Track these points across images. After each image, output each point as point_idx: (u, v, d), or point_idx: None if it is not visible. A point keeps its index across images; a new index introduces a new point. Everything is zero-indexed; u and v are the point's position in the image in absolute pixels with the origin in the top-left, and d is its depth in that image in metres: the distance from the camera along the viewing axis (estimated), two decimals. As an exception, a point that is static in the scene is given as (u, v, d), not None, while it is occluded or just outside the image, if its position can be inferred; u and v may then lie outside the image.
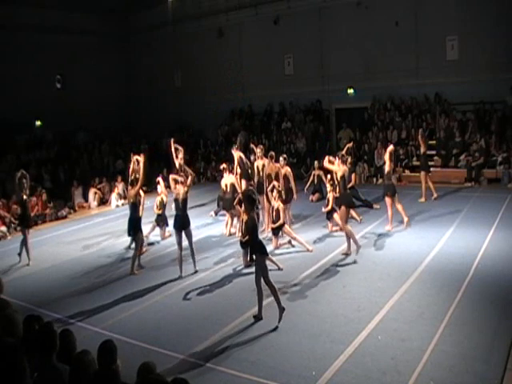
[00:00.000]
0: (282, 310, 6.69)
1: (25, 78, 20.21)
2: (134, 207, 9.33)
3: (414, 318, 6.56)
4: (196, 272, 8.91)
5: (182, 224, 8.82)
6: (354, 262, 8.97)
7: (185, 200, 8.96)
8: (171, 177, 9.52)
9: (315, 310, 7.06)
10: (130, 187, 9.60)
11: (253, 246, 7.04)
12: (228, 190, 11.25)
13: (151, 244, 11.13)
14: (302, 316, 6.84)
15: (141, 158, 10.08)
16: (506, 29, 16.28)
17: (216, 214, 13.56)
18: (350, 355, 5.73)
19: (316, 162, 14.58)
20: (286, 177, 11.04)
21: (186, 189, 9.01)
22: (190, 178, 9.20)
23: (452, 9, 17.28)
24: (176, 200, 9.01)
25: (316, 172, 14.35)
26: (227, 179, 11.33)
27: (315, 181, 14.38)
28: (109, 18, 24.33)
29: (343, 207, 9.35)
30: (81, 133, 22.28)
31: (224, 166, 11.57)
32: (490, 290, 7.28)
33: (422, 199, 13.42)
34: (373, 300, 7.22)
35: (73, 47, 22.22)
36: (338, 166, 9.38)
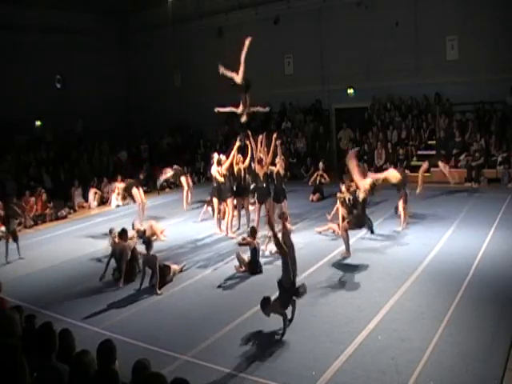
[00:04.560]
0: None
1: (25, 78, 20.18)
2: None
3: (413, 318, 6.56)
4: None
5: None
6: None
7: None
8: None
9: (315, 309, 7.05)
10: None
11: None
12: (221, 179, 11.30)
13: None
14: (301, 316, 6.82)
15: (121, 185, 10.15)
16: (506, 29, 16.27)
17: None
18: (350, 355, 5.73)
19: (321, 164, 15.01)
20: (278, 175, 11.02)
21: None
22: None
23: (452, 9, 17.26)
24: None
25: (320, 172, 14.67)
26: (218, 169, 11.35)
27: (317, 180, 14.63)
28: (109, 17, 24.33)
29: (351, 225, 9.20)
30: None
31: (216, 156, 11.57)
32: (489, 290, 7.28)
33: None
34: (373, 300, 7.22)
35: (73, 47, 22.18)
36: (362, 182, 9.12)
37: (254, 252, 8.71)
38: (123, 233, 8.96)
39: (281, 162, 11.10)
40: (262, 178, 10.77)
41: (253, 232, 9.02)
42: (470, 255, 8.77)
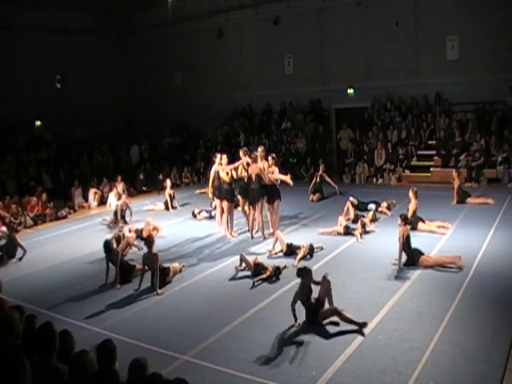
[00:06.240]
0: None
1: (25, 77, 20.22)
2: None
3: (414, 318, 6.56)
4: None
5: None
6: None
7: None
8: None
9: (315, 309, 7.03)
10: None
11: None
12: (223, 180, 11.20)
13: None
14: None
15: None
16: (505, 29, 16.29)
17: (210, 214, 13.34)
18: (350, 355, 5.73)
19: (322, 166, 15.10)
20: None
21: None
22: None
23: (452, 9, 17.28)
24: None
25: (319, 173, 14.80)
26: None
27: (317, 180, 14.67)
28: (109, 17, 24.36)
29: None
30: (79, 130, 22.31)
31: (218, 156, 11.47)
32: (489, 290, 7.28)
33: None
34: (373, 300, 7.22)
35: (73, 47, 22.23)
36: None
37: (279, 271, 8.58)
38: (108, 245, 8.75)
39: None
40: (254, 179, 10.63)
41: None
42: (470, 255, 8.76)
